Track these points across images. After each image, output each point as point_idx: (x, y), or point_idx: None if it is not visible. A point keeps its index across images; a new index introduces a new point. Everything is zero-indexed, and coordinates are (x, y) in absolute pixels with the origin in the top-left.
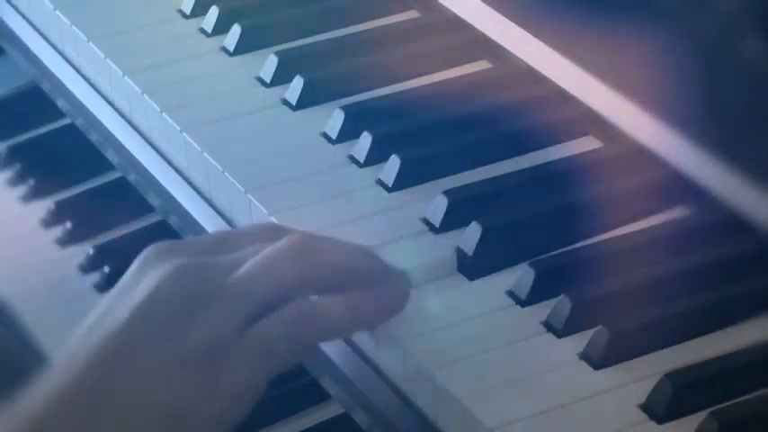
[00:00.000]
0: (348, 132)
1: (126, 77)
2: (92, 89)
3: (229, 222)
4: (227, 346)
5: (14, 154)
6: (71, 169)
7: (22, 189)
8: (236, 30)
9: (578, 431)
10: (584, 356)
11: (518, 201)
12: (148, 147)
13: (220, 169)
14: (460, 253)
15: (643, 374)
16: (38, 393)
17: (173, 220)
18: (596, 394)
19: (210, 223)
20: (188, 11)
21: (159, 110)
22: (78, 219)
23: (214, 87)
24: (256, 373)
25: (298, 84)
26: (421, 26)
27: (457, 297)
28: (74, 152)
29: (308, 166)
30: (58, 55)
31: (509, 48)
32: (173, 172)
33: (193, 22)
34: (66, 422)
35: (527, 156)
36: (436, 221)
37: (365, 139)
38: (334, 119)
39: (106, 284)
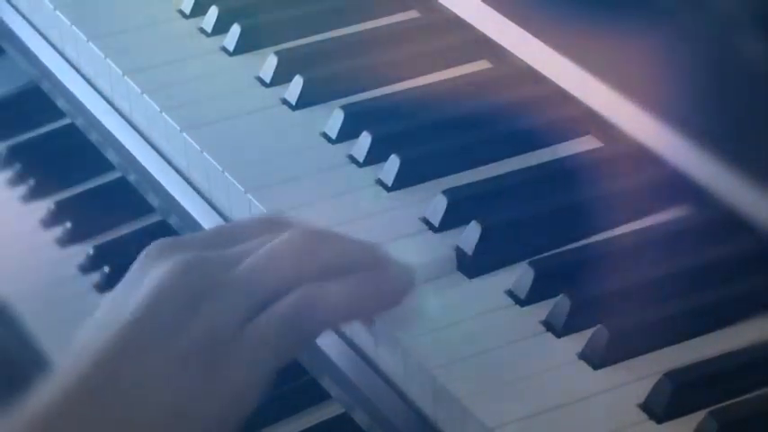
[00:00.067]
0: (348, 132)
1: (126, 77)
2: (92, 89)
3: None
4: (227, 341)
5: (14, 154)
6: (71, 169)
7: (22, 189)
8: (235, 30)
9: (578, 431)
10: (584, 356)
11: (518, 200)
12: (148, 147)
13: (220, 169)
14: (460, 252)
15: (642, 374)
16: (43, 394)
17: (173, 220)
18: (595, 394)
19: (210, 223)
20: (188, 11)
21: (159, 110)
22: (78, 219)
23: (214, 87)
24: (258, 367)
25: (297, 84)
26: (421, 26)
27: (456, 297)
28: (74, 152)
29: (308, 165)
30: (57, 55)
31: (509, 48)
32: (173, 172)
33: (193, 22)
34: (70, 422)
35: (527, 155)
36: (436, 221)
37: (365, 139)
38: (333, 119)
39: (106, 284)
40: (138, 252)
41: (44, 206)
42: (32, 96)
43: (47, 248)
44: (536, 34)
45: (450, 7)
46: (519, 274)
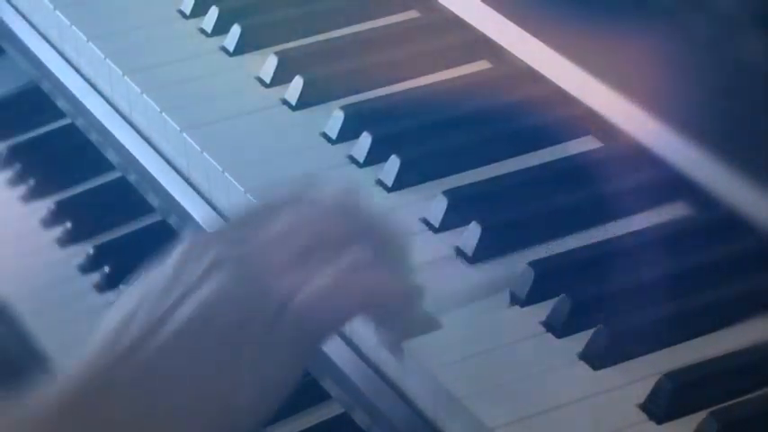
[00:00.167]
0: (348, 132)
1: (126, 77)
2: (92, 89)
3: None
4: (270, 324)
5: (14, 154)
6: (71, 169)
7: (22, 189)
8: (236, 30)
9: (578, 431)
10: (584, 356)
11: (518, 201)
12: (148, 147)
13: (220, 169)
14: (460, 253)
15: (642, 374)
16: (80, 370)
17: (173, 220)
18: (596, 394)
19: (210, 223)
20: (188, 11)
21: (159, 110)
22: (78, 219)
23: (214, 87)
24: (298, 349)
25: (298, 84)
26: (421, 26)
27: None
28: (74, 152)
29: (308, 166)
30: (57, 55)
31: (509, 48)
32: (173, 172)
33: (193, 22)
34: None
35: (527, 156)
36: (436, 221)
37: (365, 140)
38: (333, 119)
39: (106, 284)
40: (138, 252)
41: (44, 206)
42: (32, 96)
43: (47, 248)
44: (536, 34)
45: (450, 7)
46: (519, 275)
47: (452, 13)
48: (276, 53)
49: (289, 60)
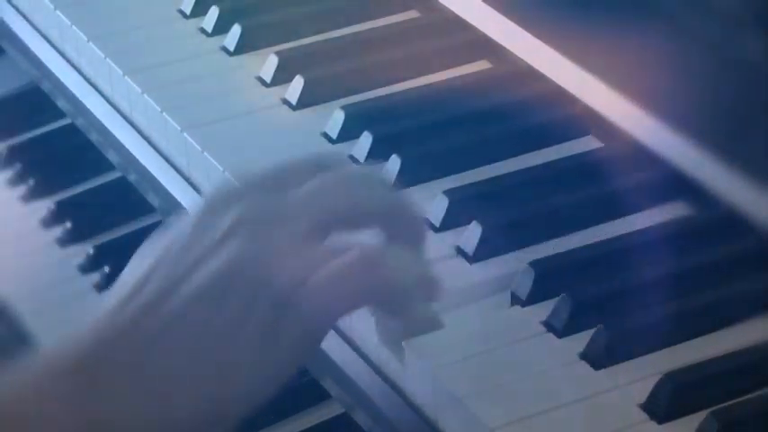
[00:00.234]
0: (348, 132)
1: (126, 77)
2: (92, 89)
3: None
4: (286, 300)
5: (14, 154)
6: (71, 169)
7: (22, 189)
8: (236, 29)
9: (579, 431)
10: (585, 356)
11: (518, 200)
12: (148, 146)
13: (221, 169)
14: (461, 252)
15: (643, 374)
16: (98, 325)
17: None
18: (596, 394)
19: None
20: (188, 11)
21: (159, 110)
22: (78, 219)
23: (214, 87)
24: (313, 326)
25: (298, 83)
26: (421, 26)
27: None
28: (74, 152)
29: None
30: (58, 55)
31: (509, 48)
32: (173, 172)
33: (193, 22)
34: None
35: (527, 155)
36: (437, 221)
37: (365, 139)
38: (334, 119)
39: (106, 284)
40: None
41: (44, 206)
42: (32, 96)
43: (47, 248)
44: (536, 34)
45: (450, 7)
46: (520, 275)
47: (453, 12)
48: (276, 53)
49: (289, 60)
